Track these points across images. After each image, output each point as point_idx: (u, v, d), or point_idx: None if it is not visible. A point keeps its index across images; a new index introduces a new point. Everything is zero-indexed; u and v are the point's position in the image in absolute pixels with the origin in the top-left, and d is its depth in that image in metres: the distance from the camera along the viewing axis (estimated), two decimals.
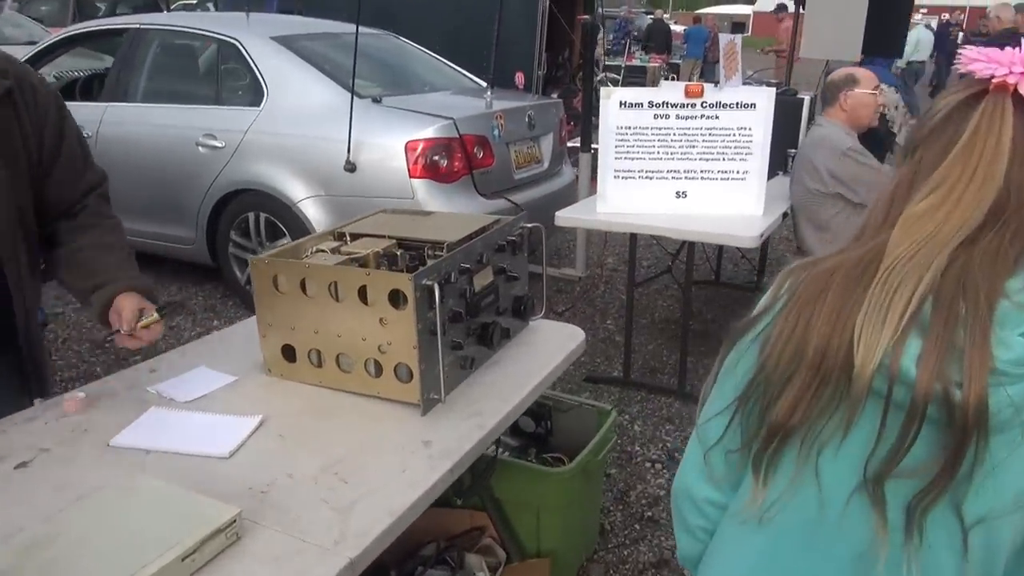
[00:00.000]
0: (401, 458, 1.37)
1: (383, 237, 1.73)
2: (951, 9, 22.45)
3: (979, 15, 13.85)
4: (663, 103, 3.10)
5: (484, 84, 4.68)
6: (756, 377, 0.86)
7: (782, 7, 13.52)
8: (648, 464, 2.94)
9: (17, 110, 1.46)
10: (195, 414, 1.50)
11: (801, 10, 4.79)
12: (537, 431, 2.35)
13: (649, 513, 2.64)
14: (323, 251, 1.68)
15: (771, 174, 3.38)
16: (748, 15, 40.89)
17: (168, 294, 4.48)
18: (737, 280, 4.96)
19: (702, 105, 3.08)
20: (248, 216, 4.14)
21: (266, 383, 1.64)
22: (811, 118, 4.04)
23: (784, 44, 13.25)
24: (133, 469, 1.31)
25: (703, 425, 0.97)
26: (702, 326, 4.22)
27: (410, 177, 3.69)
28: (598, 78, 9.76)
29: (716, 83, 3.16)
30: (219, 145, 4.08)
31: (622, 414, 3.28)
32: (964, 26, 14.97)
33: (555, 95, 8.03)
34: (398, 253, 1.67)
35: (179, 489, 1.20)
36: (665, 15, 20.58)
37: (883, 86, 3.43)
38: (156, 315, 1.49)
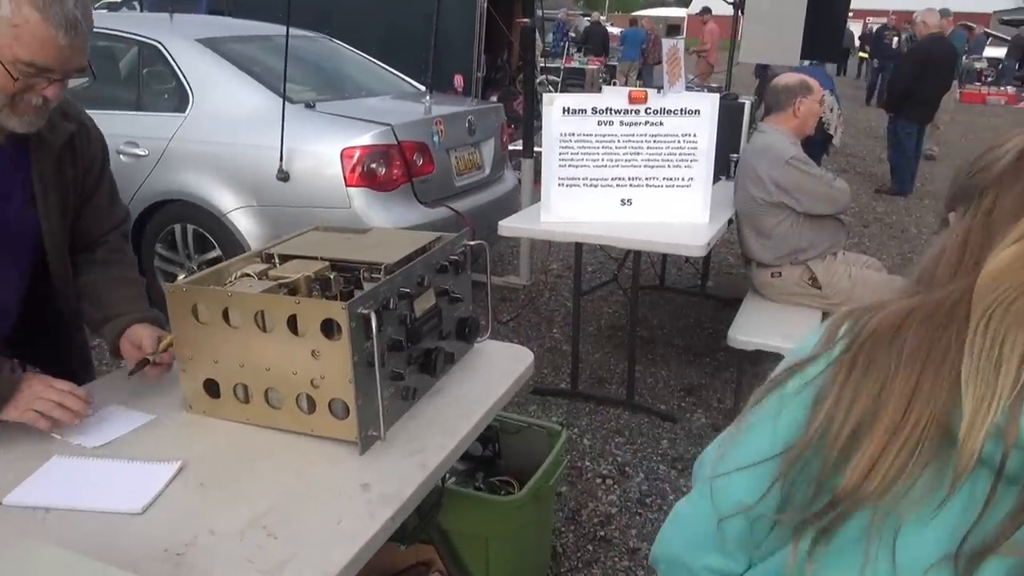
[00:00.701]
0: (337, 506, 1.25)
1: (315, 259, 1.60)
2: (876, 13, 23.23)
3: (905, 20, 14.30)
4: (607, 109, 3.04)
5: (423, 88, 4.55)
6: (810, 432, 0.73)
7: (706, 9, 13.76)
8: (599, 480, 2.86)
9: (75, 153, 1.55)
10: (104, 462, 1.35)
11: (740, 15, 4.80)
12: (485, 454, 2.25)
13: (602, 533, 2.57)
14: (249, 276, 1.54)
15: (714, 179, 3.35)
16: (683, 17, 41.59)
17: None
18: (682, 284, 4.95)
19: (646, 111, 3.03)
20: (175, 228, 3.93)
21: (187, 422, 1.50)
22: (752, 122, 4.04)
23: (707, 45, 13.47)
24: (29, 532, 1.16)
25: (720, 479, 0.83)
26: (648, 332, 4.19)
27: (347, 186, 3.54)
28: (538, 80, 9.71)
29: (659, 88, 3.11)
30: (142, 153, 3.86)
31: (571, 427, 3.20)
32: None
33: (495, 98, 7.96)
34: (331, 277, 1.54)
35: (79, 558, 1.05)
36: (601, 17, 20.72)
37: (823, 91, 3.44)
38: (170, 336, 1.53)
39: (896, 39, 13.98)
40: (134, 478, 1.30)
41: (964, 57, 14.12)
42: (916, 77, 7.02)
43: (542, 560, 2.33)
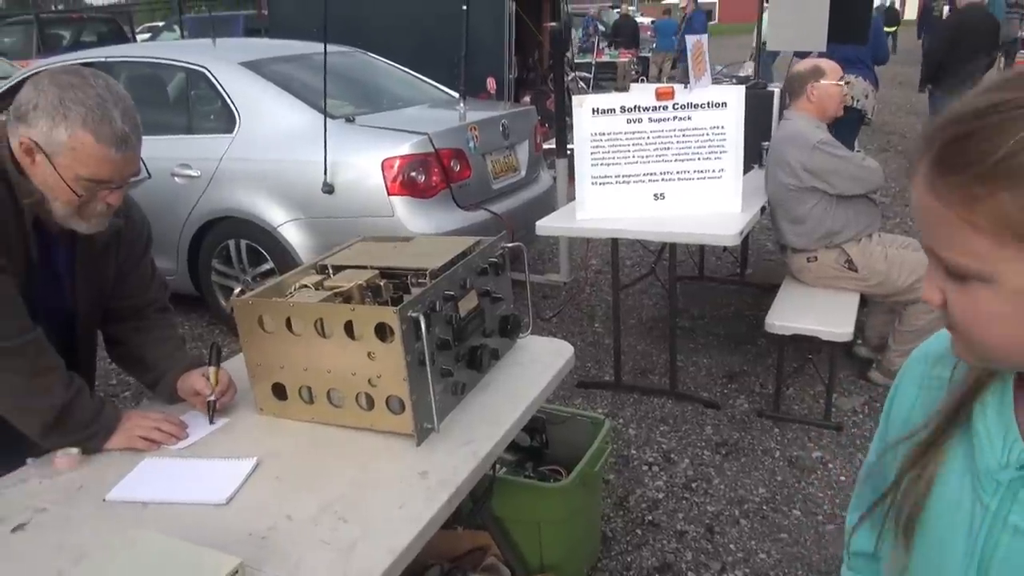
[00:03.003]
0: (399, 492, 1.38)
1: (365, 268, 1.74)
2: None
3: None
4: (635, 107, 3.12)
5: (456, 95, 4.68)
6: None
7: None
8: (645, 467, 2.95)
9: (120, 246, 1.68)
10: (190, 461, 1.50)
11: (764, 2, 4.83)
12: (532, 445, 2.37)
13: (649, 517, 2.66)
14: (307, 286, 1.68)
15: (746, 167, 3.41)
16: (715, 1, 41.12)
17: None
18: (721, 273, 4.99)
19: (673, 107, 3.11)
20: (229, 243, 4.13)
21: (259, 423, 1.64)
22: (783, 109, 4.08)
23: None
24: (131, 523, 1.31)
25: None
26: (689, 323, 4.25)
27: (389, 195, 3.69)
28: (569, 78, 9.79)
29: (685, 83, 3.19)
30: (195, 174, 4.06)
31: (616, 418, 3.30)
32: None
33: (527, 98, 8.07)
34: (381, 284, 1.68)
35: (179, 542, 1.20)
36: (630, 8, 20.68)
37: (850, 76, 3.47)
38: (213, 369, 1.66)
39: (945, 8, 13.74)
40: (217, 474, 1.45)
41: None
42: (948, 49, 6.91)
43: (593, 544, 2.44)
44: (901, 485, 0.74)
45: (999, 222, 0.56)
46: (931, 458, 0.72)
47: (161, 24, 15.59)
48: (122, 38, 11.64)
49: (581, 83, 10.75)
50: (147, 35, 15.02)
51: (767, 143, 3.84)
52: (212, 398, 1.63)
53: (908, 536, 0.74)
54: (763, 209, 3.46)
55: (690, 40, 3.21)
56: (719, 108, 3.11)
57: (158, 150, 4.22)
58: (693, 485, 2.83)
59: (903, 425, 0.78)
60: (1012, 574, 0.66)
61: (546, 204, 4.47)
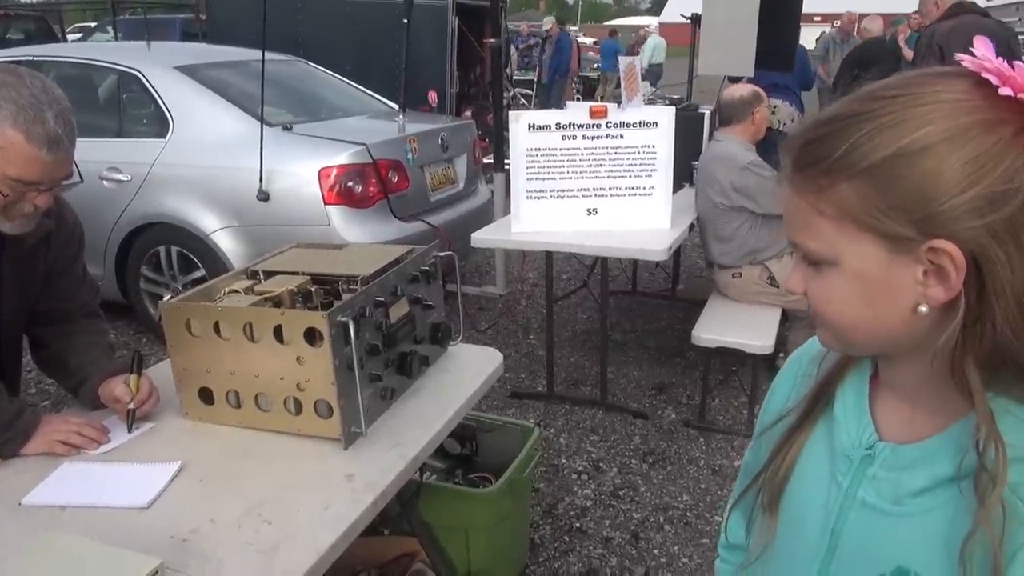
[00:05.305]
0: (324, 494, 1.39)
1: (297, 274, 1.75)
2: (836, 16, 23.71)
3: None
4: (570, 124, 3.20)
5: (396, 107, 4.70)
6: None
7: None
8: (574, 476, 3.01)
9: (50, 250, 1.65)
10: (111, 465, 1.48)
11: (697, 28, 5.01)
12: (463, 452, 2.40)
13: (577, 524, 2.71)
14: (236, 291, 1.68)
15: (677, 186, 3.53)
16: (652, 27, 42.06)
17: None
18: (653, 289, 5.12)
19: (607, 125, 3.20)
20: (159, 250, 4.05)
21: (184, 427, 1.63)
22: (713, 131, 4.23)
23: None
24: (48, 527, 1.29)
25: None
26: (622, 336, 4.35)
27: (325, 204, 3.68)
28: (510, 94, 9.91)
29: (618, 102, 3.28)
30: (124, 178, 3.98)
31: (547, 428, 3.35)
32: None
33: (469, 112, 8.14)
34: (312, 289, 1.69)
35: (97, 544, 1.19)
36: (573, 28, 21.04)
37: (776, 101, 3.63)
38: (133, 376, 1.63)
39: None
40: (139, 478, 1.43)
41: None
42: (854, 78, 7.26)
43: (521, 550, 2.48)
44: (770, 466, 0.81)
45: (840, 208, 0.65)
46: (795, 439, 0.80)
47: (93, 24, 15.13)
48: (51, 37, 11.26)
49: (523, 100, 10.89)
50: (78, 35, 14.56)
51: (697, 162, 3.98)
52: (132, 406, 1.61)
53: (773, 513, 0.81)
54: (692, 226, 3.58)
55: (623, 61, 3.31)
56: (650, 127, 3.21)
57: (86, 152, 4.11)
58: (620, 493, 2.90)
59: (776, 416, 0.85)
60: (858, 545, 0.74)
61: (483, 217, 4.52)
